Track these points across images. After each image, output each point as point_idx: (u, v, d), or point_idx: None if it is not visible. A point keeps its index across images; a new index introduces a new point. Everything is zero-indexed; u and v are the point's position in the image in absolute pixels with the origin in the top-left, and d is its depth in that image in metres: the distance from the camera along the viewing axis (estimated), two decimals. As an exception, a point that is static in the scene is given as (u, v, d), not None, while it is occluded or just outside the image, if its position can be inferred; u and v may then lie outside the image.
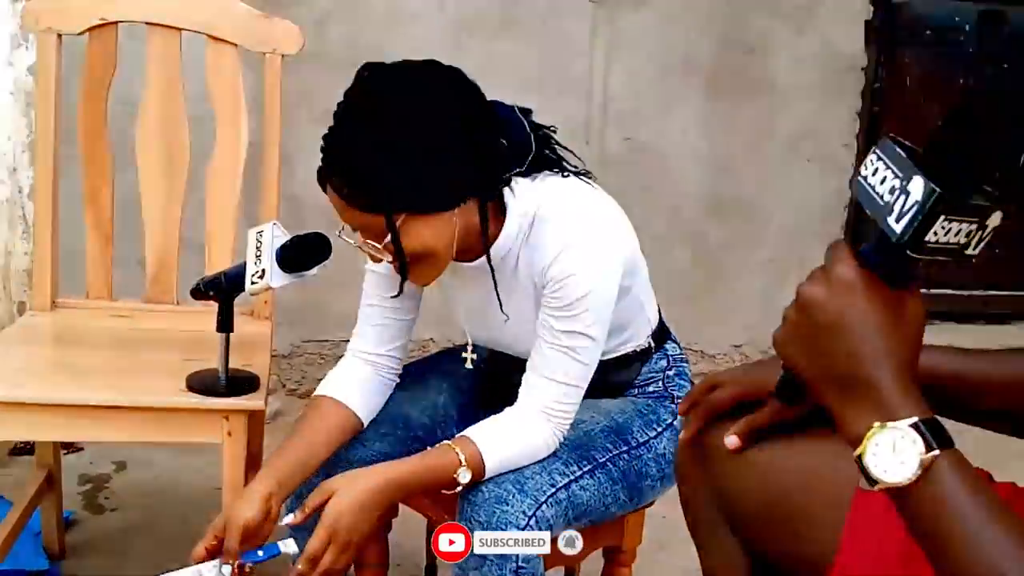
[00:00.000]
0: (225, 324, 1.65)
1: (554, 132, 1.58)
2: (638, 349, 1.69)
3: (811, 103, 3.25)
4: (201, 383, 1.66)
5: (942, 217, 0.77)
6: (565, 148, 1.58)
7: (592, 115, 3.11)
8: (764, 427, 1.11)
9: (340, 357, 1.73)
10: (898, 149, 0.80)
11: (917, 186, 0.77)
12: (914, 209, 0.77)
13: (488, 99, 1.49)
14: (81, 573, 2.14)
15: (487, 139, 1.44)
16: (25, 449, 2.58)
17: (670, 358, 1.72)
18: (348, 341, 1.72)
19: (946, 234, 0.78)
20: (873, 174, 0.82)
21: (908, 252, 0.79)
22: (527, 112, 1.55)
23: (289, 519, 1.48)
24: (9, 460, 2.58)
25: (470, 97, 1.44)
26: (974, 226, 0.79)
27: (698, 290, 3.30)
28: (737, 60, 3.18)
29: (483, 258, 1.51)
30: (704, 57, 3.16)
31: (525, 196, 1.49)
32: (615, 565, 1.75)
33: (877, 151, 0.82)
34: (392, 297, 1.62)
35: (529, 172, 1.51)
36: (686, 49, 3.14)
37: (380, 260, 1.46)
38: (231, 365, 1.68)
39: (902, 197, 0.78)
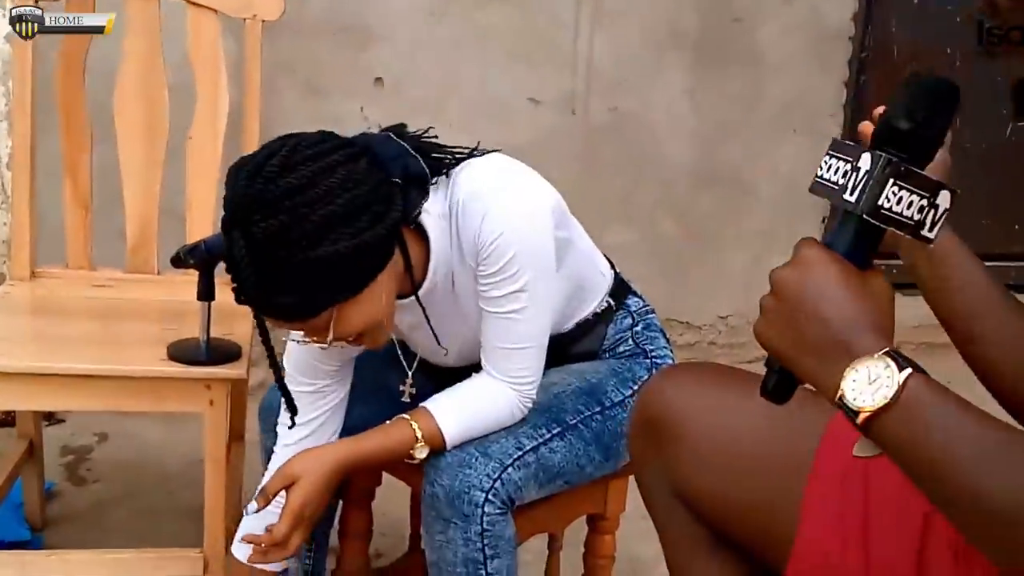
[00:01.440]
0: (206, 292, 1.64)
1: (432, 136, 1.51)
2: (599, 310, 1.67)
3: (798, 73, 3.23)
4: (182, 352, 1.65)
5: (891, 181, 0.84)
6: (436, 142, 1.51)
7: (577, 85, 3.08)
8: None
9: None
10: (846, 141, 0.90)
11: (865, 159, 0.86)
12: (864, 177, 0.86)
13: (362, 138, 1.42)
14: (62, 544, 2.12)
15: (385, 195, 1.36)
16: (5, 421, 2.57)
17: (634, 314, 1.70)
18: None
19: (899, 203, 0.85)
20: (827, 171, 0.90)
21: (866, 217, 0.86)
22: (399, 128, 1.49)
23: (252, 507, 1.48)
24: (-9, 432, 2.57)
25: (352, 164, 1.33)
26: (925, 201, 0.86)
27: (684, 261, 3.30)
28: (724, 30, 3.16)
29: (423, 288, 1.48)
30: (690, 27, 3.13)
31: (435, 206, 1.45)
32: (598, 532, 1.75)
33: (828, 152, 0.91)
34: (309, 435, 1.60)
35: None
36: (672, 18, 3.11)
37: (327, 346, 1.41)
38: (212, 335, 1.67)
39: (853, 174, 0.87)
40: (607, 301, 1.67)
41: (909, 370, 0.80)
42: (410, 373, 1.66)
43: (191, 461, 2.45)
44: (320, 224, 1.27)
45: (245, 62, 2.01)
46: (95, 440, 2.60)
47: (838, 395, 0.82)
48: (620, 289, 1.71)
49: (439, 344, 1.56)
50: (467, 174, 1.46)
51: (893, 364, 0.81)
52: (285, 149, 1.31)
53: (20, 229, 1.99)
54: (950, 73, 3.33)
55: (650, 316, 1.72)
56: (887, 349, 0.82)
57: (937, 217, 0.86)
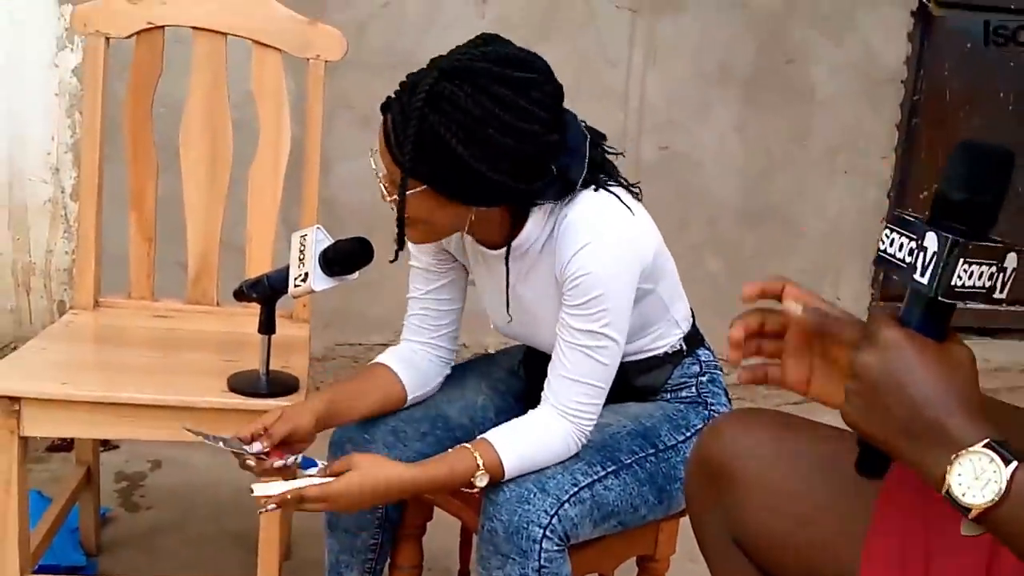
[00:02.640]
0: (267, 326, 1.67)
1: (618, 154, 1.61)
2: (669, 351, 1.69)
3: (849, 114, 3.24)
4: (243, 384, 1.68)
5: (961, 261, 0.85)
6: (616, 177, 1.59)
7: (628, 123, 3.11)
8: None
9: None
10: (906, 216, 0.91)
11: (931, 240, 0.86)
12: (933, 259, 0.86)
13: (571, 115, 1.53)
14: (116, 570, 2.16)
15: (541, 165, 1.45)
16: (62, 446, 2.61)
17: (703, 364, 1.72)
18: (382, 345, 1.74)
19: (970, 277, 0.86)
20: (891, 245, 0.91)
21: (941, 299, 0.86)
22: (597, 135, 1.57)
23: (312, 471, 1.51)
24: (47, 456, 2.61)
25: (550, 124, 1.44)
26: (994, 268, 0.87)
27: (731, 300, 3.28)
28: (775, 69, 3.17)
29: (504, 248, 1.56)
30: (742, 66, 3.15)
31: (548, 203, 1.52)
32: (647, 574, 1.75)
33: (888, 225, 0.92)
34: (432, 289, 1.70)
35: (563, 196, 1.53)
36: (724, 58, 3.14)
37: (387, 199, 1.49)
38: (270, 367, 1.70)
39: (921, 254, 0.87)
40: (680, 344, 1.70)
41: (1015, 464, 0.81)
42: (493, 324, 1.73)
43: (241, 490, 2.46)
44: (482, 137, 1.38)
45: (306, 99, 2.05)
46: (149, 467, 2.64)
47: (944, 488, 0.84)
48: (694, 338, 1.73)
49: (507, 310, 1.63)
50: (589, 197, 1.52)
51: (998, 458, 0.82)
52: (534, 73, 1.43)
53: (85, 258, 2.04)
54: (1004, 116, 3.34)
55: (717, 372, 1.74)
56: (987, 440, 0.83)
57: (1007, 279, 0.88)
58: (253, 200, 2.06)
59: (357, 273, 1.63)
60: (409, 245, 1.65)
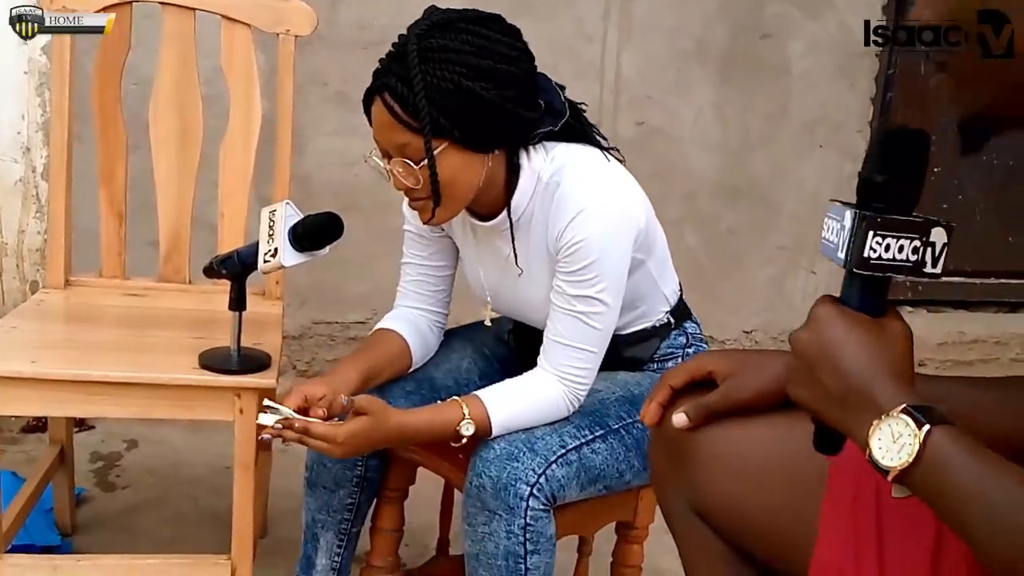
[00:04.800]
0: (238, 302, 1.66)
1: (584, 108, 1.64)
2: (657, 324, 1.71)
3: (826, 89, 3.24)
4: (214, 361, 1.67)
5: (871, 234, 0.91)
6: (593, 126, 1.64)
7: (605, 99, 3.10)
8: (717, 410, 1.18)
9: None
10: (839, 203, 0.96)
11: (847, 217, 0.93)
12: (848, 233, 0.92)
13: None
14: (91, 549, 2.16)
15: (534, 95, 1.51)
16: (37, 426, 2.60)
17: (689, 336, 1.75)
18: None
19: (887, 250, 0.91)
20: (828, 231, 0.97)
21: (856, 271, 0.92)
22: (561, 87, 1.61)
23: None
24: (22, 437, 2.60)
25: (527, 54, 1.51)
26: (917, 242, 0.91)
27: (710, 275, 3.30)
28: (751, 45, 3.17)
29: (499, 218, 1.58)
30: (718, 41, 3.15)
31: (537, 159, 1.55)
32: (627, 542, 1.77)
33: (828, 214, 0.97)
34: (428, 254, 1.73)
35: (558, 136, 1.56)
36: (700, 33, 3.13)
37: (404, 186, 1.50)
38: (243, 344, 1.69)
39: (842, 232, 0.94)
40: (668, 317, 1.71)
41: (928, 427, 0.85)
42: (489, 298, 1.73)
43: (217, 468, 2.48)
44: (486, 68, 1.43)
45: (277, 74, 2.04)
46: (124, 447, 2.63)
47: (867, 452, 0.88)
48: (681, 311, 1.75)
49: (516, 263, 1.61)
50: (577, 161, 1.55)
51: (912, 422, 0.85)
52: (484, 14, 1.50)
53: (55, 238, 2.02)
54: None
55: (702, 344, 1.77)
56: (905, 405, 0.87)
57: (937, 253, 0.92)
58: (224, 177, 2.05)
59: (327, 248, 1.62)
60: (404, 209, 1.67)
